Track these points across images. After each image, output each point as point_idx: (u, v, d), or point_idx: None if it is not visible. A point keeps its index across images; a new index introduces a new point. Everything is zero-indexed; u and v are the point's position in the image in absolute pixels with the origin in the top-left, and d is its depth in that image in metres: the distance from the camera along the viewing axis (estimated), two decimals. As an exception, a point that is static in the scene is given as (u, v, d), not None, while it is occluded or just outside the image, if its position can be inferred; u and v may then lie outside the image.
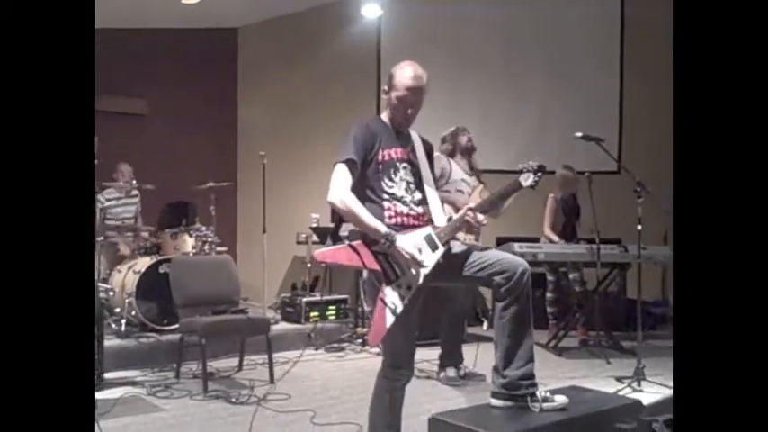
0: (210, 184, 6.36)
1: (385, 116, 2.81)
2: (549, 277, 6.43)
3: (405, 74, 2.70)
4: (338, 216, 2.89)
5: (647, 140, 7.45)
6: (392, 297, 2.52)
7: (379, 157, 2.67)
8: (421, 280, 2.57)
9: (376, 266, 2.55)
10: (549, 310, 6.48)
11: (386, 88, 2.77)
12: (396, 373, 2.70)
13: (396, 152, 2.71)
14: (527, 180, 2.79)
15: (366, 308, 5.80)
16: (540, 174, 2.79)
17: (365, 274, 2.73)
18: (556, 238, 6.14)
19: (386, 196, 2.66)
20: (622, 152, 7.53)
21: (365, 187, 2.66)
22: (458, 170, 4.74)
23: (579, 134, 4.64)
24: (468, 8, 7.91)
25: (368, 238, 2.59)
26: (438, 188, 4.62)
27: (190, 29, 7.94)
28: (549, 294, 6.47)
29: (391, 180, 2.68)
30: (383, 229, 2.56)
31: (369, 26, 7.74)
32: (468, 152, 4.85)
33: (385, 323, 2.49)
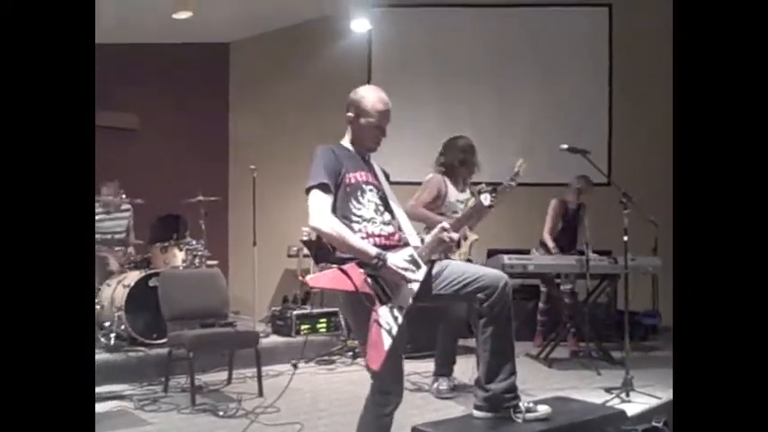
0: (200, 197, 6.36)
1: (346, 142, 2.82)
2: (543, 288, 6.45)
3: (375, 98, 2.74)
4: (317, 245, 2.88)
5: (638, 151, 7.50)
6: (387, 318, 2.49)
7: (347, 180, 2.68)
8: (410, 300, 2.55)
9: (367, 289, 2.51)
10: (540, 319, 6.50)
11: (351, 114, 2.77)
12: (384, 398, 2.63)
13: (361, 175, 2.73)
14: (486, 200, 2.87)
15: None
16: (494, 193, 2.85)
17: (342, 298, 2.69)
18: (551, 244, 6.13)
19: (355, 218, 2.65)
20: (612, 163, 7.56)
21: (334, 210, 2.65)
22: (453, 192, 4.66)
23: (565, 146, 4.65)
24: (457, 21, 7.97)
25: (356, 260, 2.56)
26: (434, 209, 4.61)
27: (181, 44, 7.95)
28: (541, 305, 6.49)
29: (359, 202, 2.68)
30: (373, 250, 2.55)
31: (359, 40, 7.77)
32: (466, 160, 4.71)
33: (383, 345, 2.45)
